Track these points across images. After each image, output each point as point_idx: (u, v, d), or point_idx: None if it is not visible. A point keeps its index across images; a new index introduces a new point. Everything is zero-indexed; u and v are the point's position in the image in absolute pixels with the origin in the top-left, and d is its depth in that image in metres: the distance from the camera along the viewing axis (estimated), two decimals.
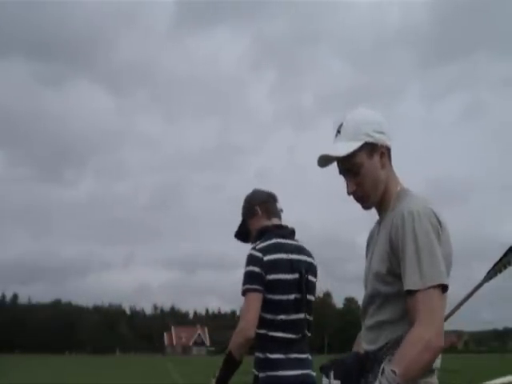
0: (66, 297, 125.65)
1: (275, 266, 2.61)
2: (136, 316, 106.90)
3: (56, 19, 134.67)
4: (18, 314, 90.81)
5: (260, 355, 2.64)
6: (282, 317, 2.60)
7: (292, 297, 2.62)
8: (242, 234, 2.92)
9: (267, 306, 2.59)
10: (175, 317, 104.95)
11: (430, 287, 1.58)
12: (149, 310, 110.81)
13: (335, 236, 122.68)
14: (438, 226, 1.65)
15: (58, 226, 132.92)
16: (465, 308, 1.98)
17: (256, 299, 2.56)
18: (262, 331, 2.60)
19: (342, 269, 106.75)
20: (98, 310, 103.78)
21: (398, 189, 1.79)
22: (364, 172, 1.75)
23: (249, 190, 2.95)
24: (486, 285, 2.03)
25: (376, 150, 1.77)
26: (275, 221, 2.81)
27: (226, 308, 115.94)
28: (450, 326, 1.95)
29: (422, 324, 1.56)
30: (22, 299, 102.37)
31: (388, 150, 1.80)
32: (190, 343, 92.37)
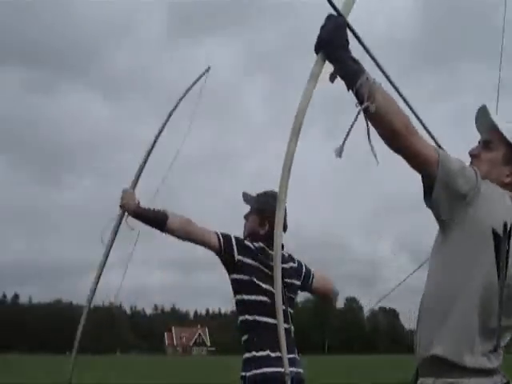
0: (67, 297, 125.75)
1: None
2: (136, 316, 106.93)
3: (52, 28, 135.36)
4: (19, 313, 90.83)
5: (248, 355, 2.71)
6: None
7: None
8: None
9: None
10: (176, 317, 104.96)
11: None
12: (149, 310, 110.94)
13: (332, 237, 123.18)
14: None
15: (58, 227, 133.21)
16: None
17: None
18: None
19: (340, 269, 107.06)
20: (98, 310, 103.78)
21: None
22: (491, 156, 1.82)
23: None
24: None
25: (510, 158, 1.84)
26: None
27: (226, 308, 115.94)
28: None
29: None
30: (23, 299, 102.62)
31: None
32: (191, 343, 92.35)
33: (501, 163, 1.82)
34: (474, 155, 1.87)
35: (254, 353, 2.68)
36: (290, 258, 2.96)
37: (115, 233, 3.04)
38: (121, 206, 2.91)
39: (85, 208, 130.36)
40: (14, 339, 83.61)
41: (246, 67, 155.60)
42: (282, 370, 2.62)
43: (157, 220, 2.73)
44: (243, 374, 2.72)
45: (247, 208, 3.02)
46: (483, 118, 1.87)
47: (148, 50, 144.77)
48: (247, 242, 2.83)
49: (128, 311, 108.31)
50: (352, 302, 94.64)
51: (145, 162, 3.15)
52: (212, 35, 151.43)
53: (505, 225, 1.64)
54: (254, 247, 2.81)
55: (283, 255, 2.90)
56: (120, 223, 3.00)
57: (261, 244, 2.83)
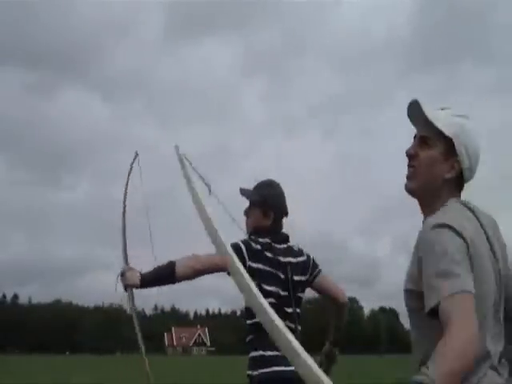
0: (67, 297, 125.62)
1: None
2: (136, 316, 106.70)
3: (52, 28, 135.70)
4: (19, 314, 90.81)
5: (255, 354, 2.68)
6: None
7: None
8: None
9: None
10: (175, 317, 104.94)
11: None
12: (149, 311, 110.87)
13: (331, 237, 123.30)
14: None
15: (58, 228, 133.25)
16: None
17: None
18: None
19: (340, 269, 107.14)
20: (98, 310, 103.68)
21: (448, 201, 1.67)
22: (430, 154, 1.68)
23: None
24: None
25: (451, 154, 1.67)
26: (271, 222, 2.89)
27: (226, 309, 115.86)
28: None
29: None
30: (23, 299, 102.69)
31: (460, 170, 1.69)
32: (191, 344, 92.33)
33: (441, 160, 1.68)
34: (411, 155, 1.72)
35: (261, 352, 2.64)
36: (300, 252, 2.90)
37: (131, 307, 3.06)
38: (125, 286, 2.83)
39: (84, 208, 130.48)
40: (13, 339, 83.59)
41: (244, 67, 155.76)
42: (291, 368, 2.62)
43: (164, 276, 2.67)
44: (250, 372, 2.68)
45: (245, 206, 2.97)
46: (416, 112, 1.72)
47: (147, 50, 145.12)
48: (254, 244, 2.76)
49: (128, 311, 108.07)
50: (352, 302, 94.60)
51: (124, 233, 3.07)
52: (211, 35, 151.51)
53: (487, 238, 1.62)
54: (261, 247, 2.76)
55: (294, 249, 2.87)
56: (132, 301, 3.02)
57: (267, 240, 2.78)
